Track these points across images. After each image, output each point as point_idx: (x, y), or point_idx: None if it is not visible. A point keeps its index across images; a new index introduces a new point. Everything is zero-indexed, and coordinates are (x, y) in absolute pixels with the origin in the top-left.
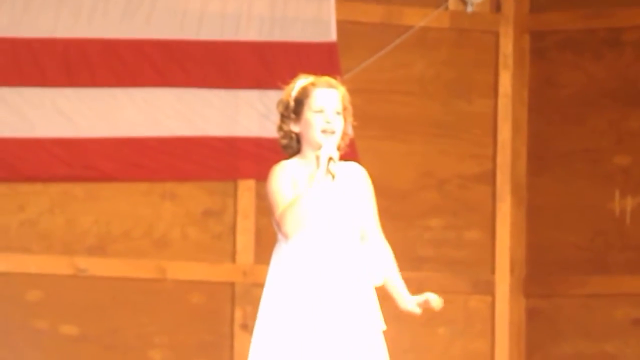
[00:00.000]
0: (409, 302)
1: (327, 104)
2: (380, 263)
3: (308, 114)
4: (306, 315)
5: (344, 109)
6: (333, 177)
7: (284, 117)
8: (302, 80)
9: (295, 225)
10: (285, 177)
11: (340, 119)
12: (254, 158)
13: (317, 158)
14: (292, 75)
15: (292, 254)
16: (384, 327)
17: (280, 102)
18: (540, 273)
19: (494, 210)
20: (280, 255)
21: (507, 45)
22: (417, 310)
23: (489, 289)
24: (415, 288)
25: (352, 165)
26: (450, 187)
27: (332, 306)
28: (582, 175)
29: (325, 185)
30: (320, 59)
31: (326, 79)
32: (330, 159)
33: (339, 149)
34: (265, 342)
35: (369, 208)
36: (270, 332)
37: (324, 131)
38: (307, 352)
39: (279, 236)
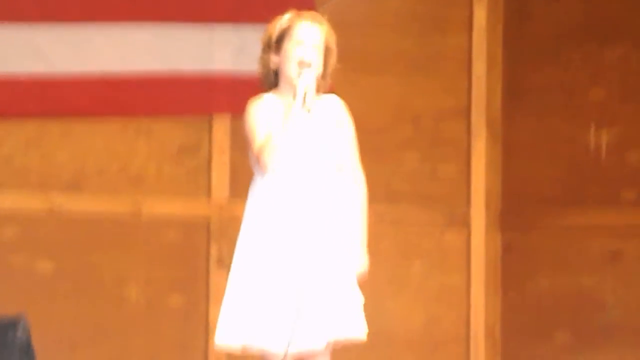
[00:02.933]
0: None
1: (308, 37)
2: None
3: (288, 45)
4: (283, 248)
5: (327, 48)
6: (308, 110)
7: (265, 48)
8: (289, 14)
9: (272, 158)
10: (262, 111)
11: (319, 54)
12: (229, 92)
13: (294, 89)
14: (267, 9)
15: (268, 188)
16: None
17: (264, 32)
18: (516, 207)
19: (469, 144)
20: (257, 190)
21: None
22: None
23: (464, 222)
24: (390, 222)
25: (331, 98)
26: (425, 121)
27: (309, 239)
28: (557, 109)
29: (302, 118)
30: None
31: (313, 14)
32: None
33: (319, 88)
34: (242, 276)
35: (347, 141)
36: (247, 266)
37: (300, 63)
38: (284, 284)
39: (255, 171)
